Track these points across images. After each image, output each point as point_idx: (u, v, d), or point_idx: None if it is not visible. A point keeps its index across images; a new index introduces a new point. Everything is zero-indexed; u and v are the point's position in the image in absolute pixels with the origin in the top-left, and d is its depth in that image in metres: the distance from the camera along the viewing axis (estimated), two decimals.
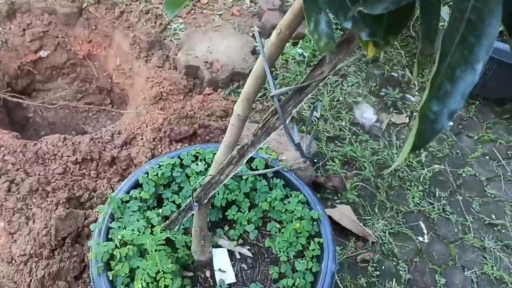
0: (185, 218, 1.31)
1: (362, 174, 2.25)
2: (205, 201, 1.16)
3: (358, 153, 2.31)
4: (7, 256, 1.72)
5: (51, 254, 1.74)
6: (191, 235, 1.41)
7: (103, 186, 1.96)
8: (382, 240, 2.06)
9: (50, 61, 2.76)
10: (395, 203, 2.20)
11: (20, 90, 2.70)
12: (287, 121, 0.85)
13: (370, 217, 2.13)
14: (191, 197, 1.20)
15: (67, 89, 2.80)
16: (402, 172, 2.30)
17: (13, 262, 1.71)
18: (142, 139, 2.11)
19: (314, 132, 0.97)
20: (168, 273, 1.29)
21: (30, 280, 1.67)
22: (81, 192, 1.94)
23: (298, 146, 0.86)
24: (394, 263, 2.01)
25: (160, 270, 1.28)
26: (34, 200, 1.86)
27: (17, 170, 1.91)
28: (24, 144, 2.00)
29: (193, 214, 1.32)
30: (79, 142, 2.07)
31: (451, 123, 2.56)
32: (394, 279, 1.95)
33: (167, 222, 1.38)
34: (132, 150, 2.07)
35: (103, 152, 2.06)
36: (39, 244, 1.73)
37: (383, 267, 1.99)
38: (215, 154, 1.16)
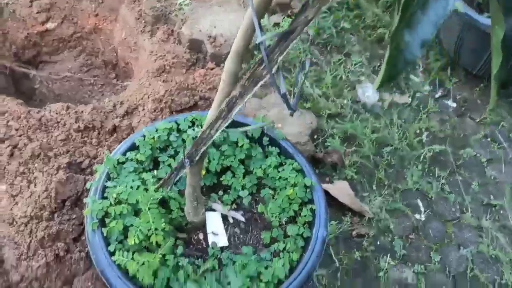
0: (178, 177, 1.33)
1: (362, 151, 2.25)
2: (197, 158, 1.18)
3: (359, 131, 2.31)
4: (8, 218, 1.77)
5: (51, 216, 1.78)
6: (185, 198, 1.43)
7: (104, 154, 1.99)
8: (378, 216, 2.07)
9: (57, 33, 2.78)
10: (393, 181, 2.20)
11: (26, 60, 2.74)
12: (274, 70, 0.86)
13: (367, 194, 2.14)
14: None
15: (74, 61, 2.83)
16: (402, 151, 2.30)
17: (14, 223, 1.75)
18: (143, 109, 2.14)
19: (300, 86, 0.97)
20: (161, 230, 1.32)
21: (30, 241, 1.71)
22: (82, 159, 1.98)
23: (284, 96, 0.87)
24: (390, 239, 2.02)
25: (152, 228, 1.31)
26: (36, 164, 1.90)
27: (21, 135, 1.95)
28: (28, 111, 2.04)
29: (186, 175, 1.34)
30: (82, 111, 2.10)
31: (455, 104, 2.54)
32: (388, 254, 1.96)
33: (161, 181, 1.41)
34: (133, 119, 2.10)
35: (105, 121, 2.10)
36: (40, 207, 1.77)
37: (378, 242, 2.00)
38: None
